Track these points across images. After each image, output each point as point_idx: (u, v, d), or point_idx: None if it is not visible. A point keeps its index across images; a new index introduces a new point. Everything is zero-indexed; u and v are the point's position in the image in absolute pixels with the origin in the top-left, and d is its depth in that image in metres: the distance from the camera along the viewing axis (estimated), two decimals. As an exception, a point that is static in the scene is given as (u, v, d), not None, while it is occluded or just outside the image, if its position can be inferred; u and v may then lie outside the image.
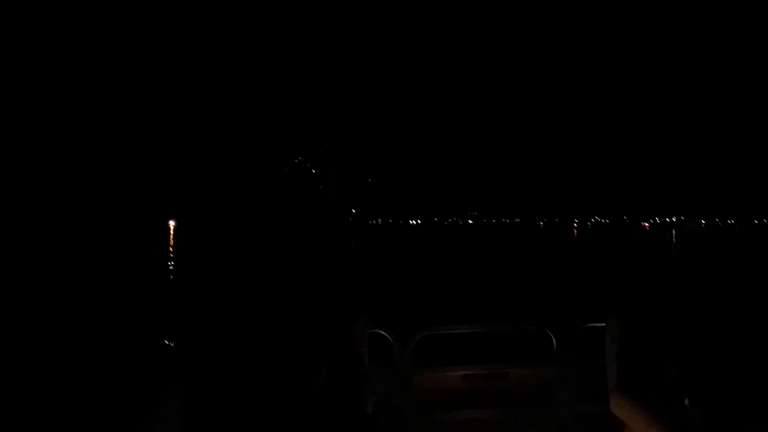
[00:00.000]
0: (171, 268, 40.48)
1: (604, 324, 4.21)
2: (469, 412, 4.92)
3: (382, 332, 4.73)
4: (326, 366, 3.62)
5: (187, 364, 3.18)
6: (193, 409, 3.19)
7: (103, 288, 28.30)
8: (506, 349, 6.41)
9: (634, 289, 27.14)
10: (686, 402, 3.58)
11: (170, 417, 3.19)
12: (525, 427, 4.94)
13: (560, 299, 23.79)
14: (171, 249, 61.47)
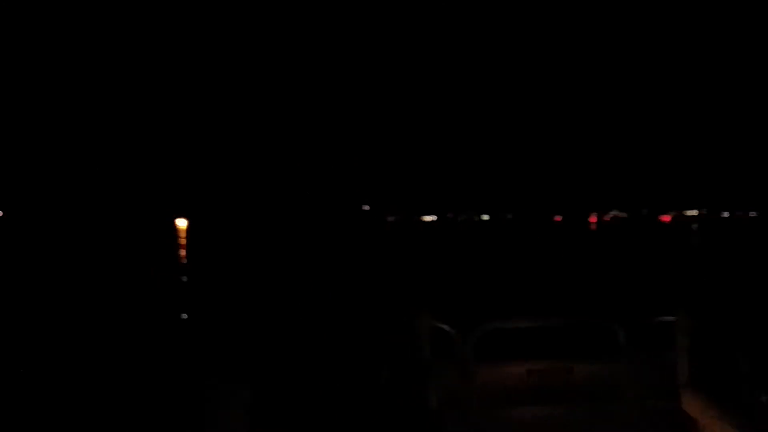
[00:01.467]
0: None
1: (673, 318, 4.10)
2: (533, 408, 4.86)
3: (444, 326, 4.71)
4: (390, 360, 3.63)
5: (254, 360, 3.24)
6: (261, 405, 3.25)
7: (168, 280, 29.09)
8: (569, 344, 6.30)
9: (704, 282, 26.40)
10: (762, 397, 3.46)
11: (239, 413, 3.26)
12: (591, 424, 4.85)
13: (626, 293, 23.32)
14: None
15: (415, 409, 3.62)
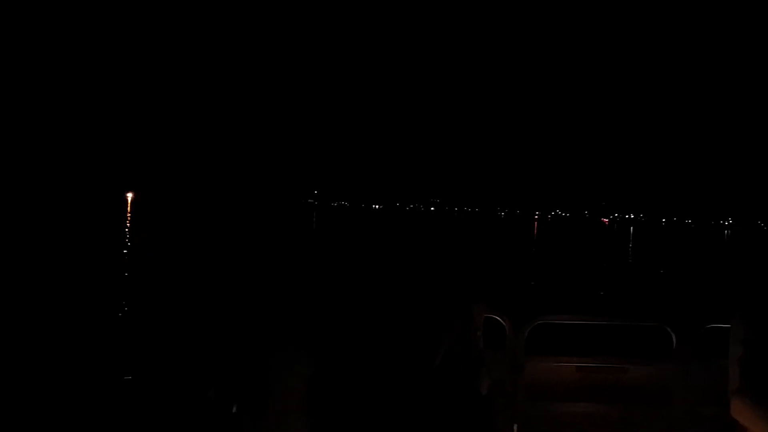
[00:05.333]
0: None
1: (728, 325, 4.10)
2: (582, 405, 4.90)
3: (497, 317, 4.79)
4: (444, 346, 3.74)
5: (317, 333, 3.37)
6: (320, 380, 3.40)
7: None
8: (620, 343, 6.32)
9: (760, 289, 25.67)
10: None
11: (298, 385, 3.40)
12: (639, 425, 4.87)
13: (681, 297, 22.90)
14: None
15: (467, 393, 3.73)
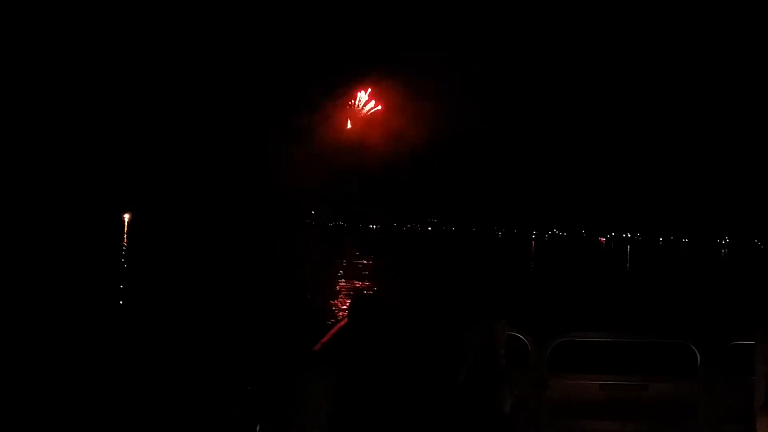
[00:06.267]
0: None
1: (752, 342, 4.07)
2: (606, 423, 4.87)
3: (519, 335, 4.79)
4: (467, 363, 3.75)
5: (342, 345, 3.38)
6: (344, 392, 3.42)
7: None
8: (643, 361, 6.27)
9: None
10: None
11: (322, 403, 3.42)
12: None
13: (704, 314, 22.64)
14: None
15: (490, 411, 3.73)
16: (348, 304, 3.94)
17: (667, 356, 5.73)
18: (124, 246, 57.74)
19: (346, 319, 3.87)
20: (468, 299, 4.02)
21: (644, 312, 23.68)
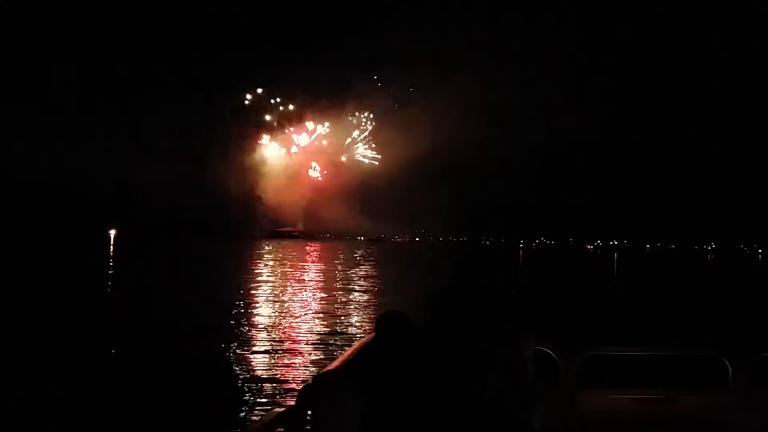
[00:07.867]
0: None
1: None
2: None
3: (547, 350, 4.76)
4: (494, 379, 3.74)
5: (371, 365, 3.38)
6: (374, 412, 3.42)
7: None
8: (673, 374, 6.20)
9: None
10: None
11: (349, 422, 3.42)
12: None
13: (735, 326, 22.31)
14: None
15: (519, 428, 3.71)
16: (375, 320, 3.94)
17: (695, 368, 5.66)
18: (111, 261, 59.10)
19: (368, 335, 3.87)
20: (493, 312, 4.00)
21: (670, 323, 23.42)
